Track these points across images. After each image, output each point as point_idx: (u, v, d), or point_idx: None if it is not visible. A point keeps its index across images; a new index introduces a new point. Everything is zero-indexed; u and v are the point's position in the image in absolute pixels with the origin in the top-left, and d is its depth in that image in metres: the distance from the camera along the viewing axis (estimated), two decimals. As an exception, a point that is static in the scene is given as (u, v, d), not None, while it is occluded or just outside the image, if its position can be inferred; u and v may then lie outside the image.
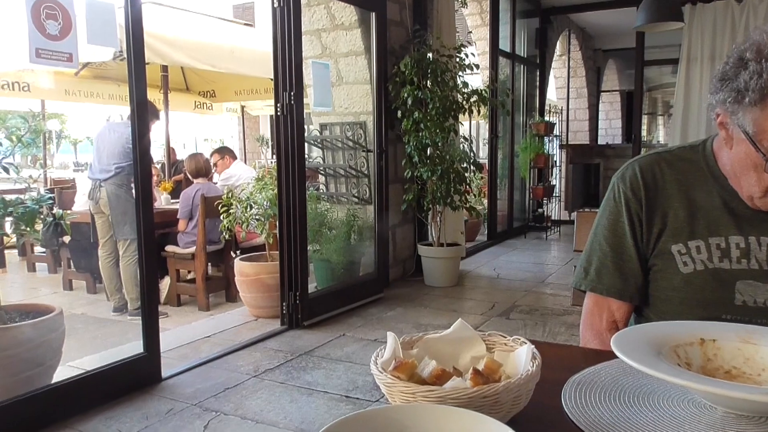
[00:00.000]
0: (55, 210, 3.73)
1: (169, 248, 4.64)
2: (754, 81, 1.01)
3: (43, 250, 5.62)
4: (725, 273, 1.14)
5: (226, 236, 4.37)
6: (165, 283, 4.71)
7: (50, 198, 2.88)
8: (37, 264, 5.96)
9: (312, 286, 4.42)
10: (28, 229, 2.32)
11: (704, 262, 1.16)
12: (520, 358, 0.82)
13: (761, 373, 0.89)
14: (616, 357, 0.83)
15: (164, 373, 3.15)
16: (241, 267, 4.23)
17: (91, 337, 4.01)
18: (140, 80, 2.89)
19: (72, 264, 5.11)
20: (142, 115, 2.92)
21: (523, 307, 4.54)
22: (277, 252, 3.95)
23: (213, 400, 2.93)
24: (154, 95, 5.91)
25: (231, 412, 2.79)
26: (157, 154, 7.22)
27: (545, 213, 7.98)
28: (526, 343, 0.84)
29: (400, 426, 0.67)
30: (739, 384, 0.87)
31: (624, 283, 1.24)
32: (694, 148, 1.25)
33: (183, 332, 3.99)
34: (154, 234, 3.13)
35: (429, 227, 5.25)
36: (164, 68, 5.87)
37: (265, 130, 13.09)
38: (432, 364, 0.79)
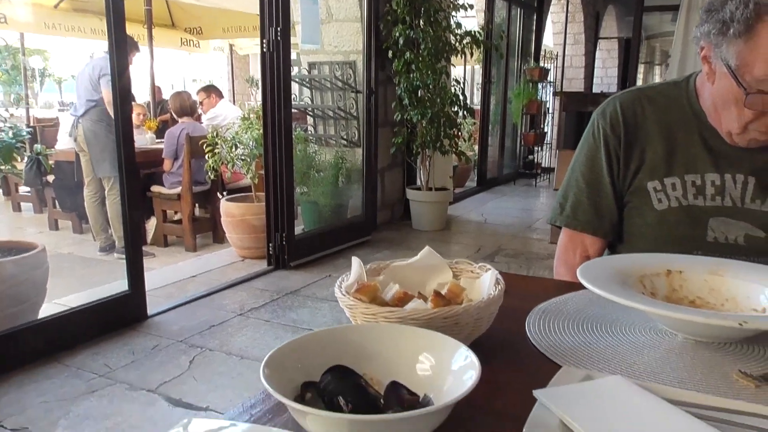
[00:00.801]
0: (36, 146, 3.66)
1: (155, 188, 4.60)
2: (740, 11, 0.97)
3: (28, 189, 5.56)
4: (699, 210, 1.14)
5: (212, 176, 4.33)
6: (151, 224, 4.70)
7: (28, 133, 2.81)
8: (22, 204, 5.92)
9: (299, 229, 4.42)
10: (5, 164, 2.27)
11: (678, 199, 1.15)
12: (485, 284, 0.81)
13: (724, 303, 0.89)
14: (584, 288, 0.83)
15: (150, 311, 3.18)
16: (227, 207, 4.21)
17: (78, 276, 4.02)
18: (118, 11, 2.79)
19: (57, 204, 5.07)
20: (121, 46, 2.84)
21: (508, 250, 4.58)
22: (264, 193, 3.93)
23: (198, 337, 2.97)
24: (137, 30, 5.73)
25: (216, 348, 2.84)
26: (143, 93, 7.07)
27: (535, 160, 7.96)
28: (490, 269, 0.84)
29: (358, 345, 0.67)
30: (697, 309, 0.88)
31: (599, 220, 1.24)
32: (677, 85, 1.22)
33: (169, 272, 4.01)
34: (136, 170, 3.09)
35: (418, 171, 5.23)
36: (148, 1, 5.67)
37: (255, 70, 12.80)
38: (395, 288, 0.78)
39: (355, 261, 0.84)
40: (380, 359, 0.66)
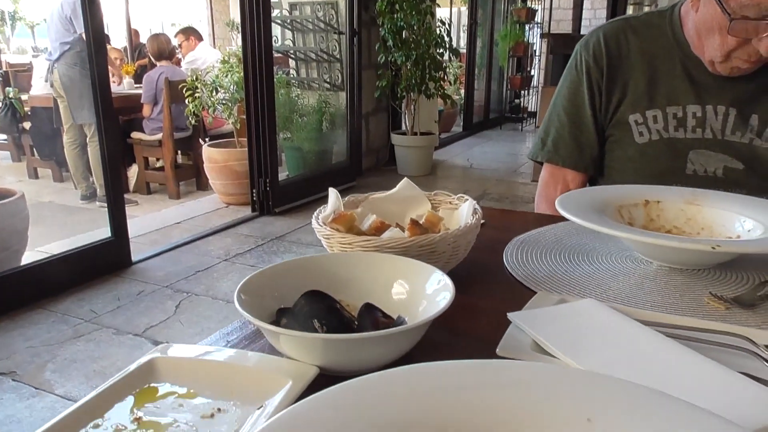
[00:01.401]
0: (8, 89, 3.55)
1: (135, 135, 4.51)
2: None
3: (4, 137, 5.43)
4: (679, 143, 1.14)
5: (193, 122, 4.25)
6: (133, 171, 4.63)
7: (0, 76, 2.72)
8: (-1, 152, 5.80)
9: (283, 175, 4.39)
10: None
11: (659, 131, 1.15)
12: (463, 214, 0.81)
13: (700, 232, 0.90)
14: (564, 221, 0.83)
15: (134, 258, 3.17)
16: (209, 153, 4.15)
17: (59, 224, 3.98)
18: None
19: (36, 151, 4.97)
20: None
21: (493, 194, 4.59)
22: (246, 138, 3.87)
23: (184, 282, 2.97)
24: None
25: (202, 293, 2.85)
26: (120, 37, 6.84)
27: (522, 104, 7.89)
28: (468, 200, 0.83)
29: (333, 273, 0.67)
30: (672, 235, 0.88)
31: (580, 154, 1.23)
32: (662, 14, 1.20)
33: (152, 219, 3.98)
34: (113, 115, 3.02)
35: (403, 115, 5.16)
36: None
37: (235, 14, 12.41)
38: (372, 218, 0.78)
39: (332, 192, 0.83)
40: (355, 286, 0.66)
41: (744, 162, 1.10)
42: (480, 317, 0.71)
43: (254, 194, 3.94)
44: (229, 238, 3.59)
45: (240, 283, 0.61)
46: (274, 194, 3.94)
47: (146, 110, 4.47)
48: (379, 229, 0.76)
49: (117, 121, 3.44)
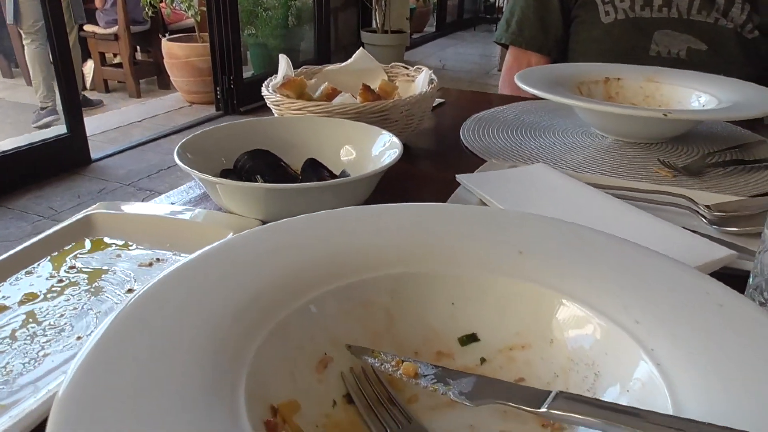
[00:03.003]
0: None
1: (88, 27, 4.24)
2: None
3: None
4: (644, 22, 1.11)
5: (149, 13, 4.01)
6: (89, 67, 4.40)
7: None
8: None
9: (249, 73, 4.23)
10: None
11: (626, 11, 1.12)
12: (419, 84, 0.79)
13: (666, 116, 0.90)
14: (524, 100, 0.81)
15: (93, 156, 3.08)
16: (169, 48, 3.96)
17: (12, 122, 3.81)
18: None
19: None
20: None
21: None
22: (208, 33, 3.68)
23: (147, 180, 2.92)
24: None
25: (166, 191, 2.81)
26: None
27: (497, 4, 7.62)
28: (425, 69, 0.81)
29: (280, 136, 0.65)
30: (626, 105, 0.88)
31: (544, 35, 1.20)
32: None
33: (112, 117, 3.84)
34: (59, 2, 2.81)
35: (373, 12, 4.95)
36: None
37: None
38: (324, 85, 0.75)
39: (283, 59, 0.79)
40: (303, 149, 0.64)
41: (708, 43, 1.09)
42: (431, 185, 0.70)
43: (218, 92, 3.81)
44: (192, 137, 3.50)
45: (182, 141, 0.59)
46: (239, 92, 3.82)
47: (98, 0, 4.18)
48: (330, 96, 0.73)
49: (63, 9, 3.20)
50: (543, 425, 0.32)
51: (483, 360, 0.37)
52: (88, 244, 0.51)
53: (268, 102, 0.75)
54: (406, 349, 0.37)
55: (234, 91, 3.80)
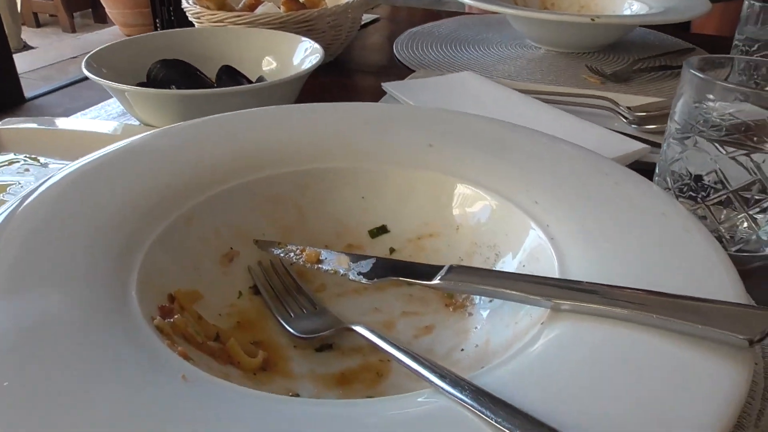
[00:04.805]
0: None
1: (11, -44, 3.93)
2: None
3: None
4: None
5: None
6: None
7: None
8: None
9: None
10: None
11: None
12: (348, -5, 0.76)
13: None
14: (461, 14, 0.79)
15: (27, 94, 2.92)
16: (101, -22, 3.71)
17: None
18: None
19: None
20: None
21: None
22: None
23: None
24: None
25: (108, 129, 2.71)
26: None
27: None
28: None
29: (197, 49, 0.62)
30: (555, 11, 0.88)
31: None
32: None
33: (45, 53, 3.62)
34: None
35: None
36: None
37: None
38: (247, -5, 0.72)
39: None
40: (221, 62, 0.61)
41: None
42: (360, 96, 0.69)
43: (158, 25, 3.62)
44: (133, 72, 3.34)
45: (91, 52, 0.56)
46: (180, 25, 3.63)
47: (19, -75, 3.85)
48: (253, 7, 0.70)
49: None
50: (446, 305, 0.33)
51: (392, 250, 0.37)
52: (-8, 159, 0.48)
53: (188, 15, 0.71)
54: (317, 243, 0.37)
55: (174, 23, 3.61)
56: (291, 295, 0.33)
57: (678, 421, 0.20)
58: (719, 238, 0.39)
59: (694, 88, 0.38)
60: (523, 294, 0.26)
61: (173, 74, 0.53)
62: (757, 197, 0.37)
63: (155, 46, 0.61)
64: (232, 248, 0.35)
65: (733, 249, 0.39)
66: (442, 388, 0.21)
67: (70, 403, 0.20)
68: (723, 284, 0.26)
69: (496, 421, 0.19)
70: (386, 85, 0.61)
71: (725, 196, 0.38)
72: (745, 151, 0.37)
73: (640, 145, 0.50)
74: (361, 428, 0.20)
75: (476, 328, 0.31)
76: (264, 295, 0.33)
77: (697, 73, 0.37)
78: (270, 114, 0.42)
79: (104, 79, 0.52)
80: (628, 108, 0.59)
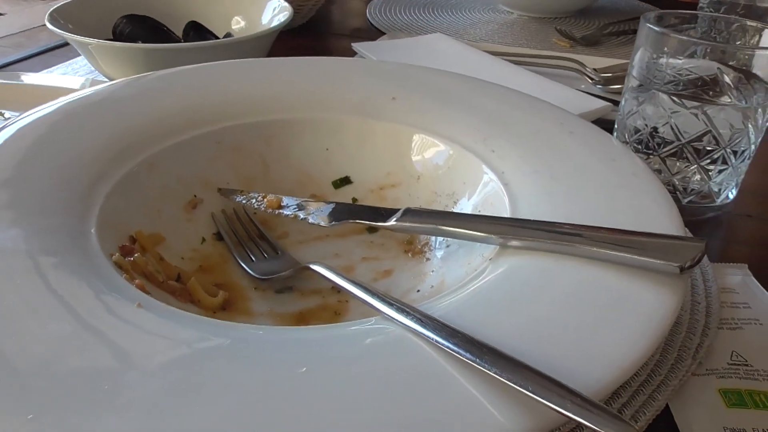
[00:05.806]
0: None
1: None
2: None
3: None
4: None
5: None
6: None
7: None
8: None
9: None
10: None
11: None
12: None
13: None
14: None
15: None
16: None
17: None
18: None
19: None
20: None
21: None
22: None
23: (60, 87, 2.74)
24: None
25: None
26: None
27: None
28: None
29: (164, 9, 0.61)
30: None
31: None
32: None
33: (15, 20, 3.52)
34: None
35: None
36: None
37: None
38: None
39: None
40: (187, 19, 0.61)
41: None
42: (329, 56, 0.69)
43: (132, -8, 3.53)
44: (107, 41, 3.27)
45: (56, 5, 0.55)
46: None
47: None
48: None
49: None
50: (405, 251, 0.34)
51: (355, 200, 0.38)
52: (-46, 114, 0.48)
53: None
54: (280, 193, 0.37)
55: (150, -10, 3.53)
56: (253, 241, 0.33)
57: (614, 337, 0.21)
58: (673, 190, 0.41)
59: (650, 42, 0.39)
60: (473, 232, 0.27)
61: (139, 30, 0.53)
62: (708, 148, 0.38)
63: (123, 2, 0.60)
64: (195, 196, 0.35)
65: (686, 201, 0.41)
66: (387, 315, 0.22)
67: (19, 324, 0.20)
68: (663, 221, 0.27)
69: (435, 342, 0.20)
70: (356, 46, 0.61)
71: (678, 148, 0.39)
72: (698, 103, 0.38)
73: (603, 103, 0.51)
74: (305, 344, 0.21)
75: (432, 271, 0.32)
76: (227, 241, 0.34)
77: (653, 27, 0.38)
78: (236, 66, 0.42)
79: (59, 27, 0.52)
80: (594, 69, 0.60)
